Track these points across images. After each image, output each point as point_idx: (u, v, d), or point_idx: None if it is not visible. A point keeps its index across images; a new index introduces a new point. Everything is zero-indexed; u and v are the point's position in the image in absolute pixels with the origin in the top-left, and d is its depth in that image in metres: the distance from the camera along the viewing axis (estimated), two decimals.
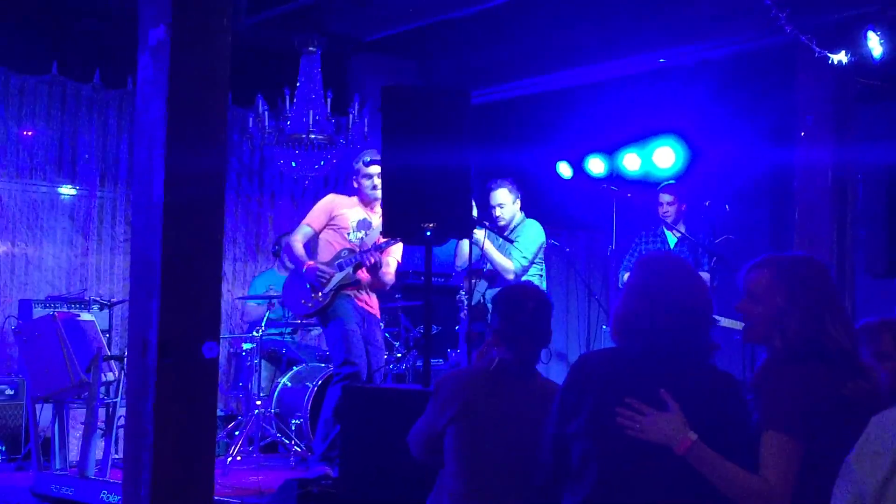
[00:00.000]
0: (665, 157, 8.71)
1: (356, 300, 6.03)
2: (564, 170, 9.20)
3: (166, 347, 4.22)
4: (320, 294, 5.87)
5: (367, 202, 6.12)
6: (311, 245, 6.23)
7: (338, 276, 5.90)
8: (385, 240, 5.68)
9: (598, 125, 8.96)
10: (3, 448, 6.48)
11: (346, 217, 6.10)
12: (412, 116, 4.40)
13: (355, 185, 6.14)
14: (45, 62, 7.53)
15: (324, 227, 6.07)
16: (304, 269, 5.93)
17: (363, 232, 6.07)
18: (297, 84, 7.36)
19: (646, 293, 2.78)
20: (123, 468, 4.31)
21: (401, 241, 4.63)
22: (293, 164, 7.33)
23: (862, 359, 2.86)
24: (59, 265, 7.70)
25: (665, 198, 7.38)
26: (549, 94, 8.76)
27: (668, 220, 7.29)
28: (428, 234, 4.32)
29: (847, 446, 2.62)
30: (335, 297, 5.92)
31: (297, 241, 6.04)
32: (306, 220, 6.14)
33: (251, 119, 7.24)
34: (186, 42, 4.34)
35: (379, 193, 5.54)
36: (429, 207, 4.35)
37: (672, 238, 7.30)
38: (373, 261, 5.78)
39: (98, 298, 6.76)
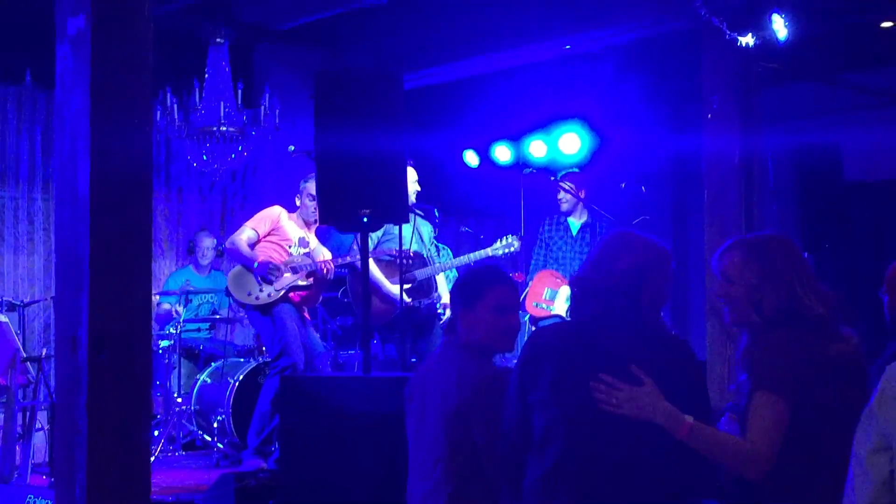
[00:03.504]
0: (570, 143, 8.82)
1: (298, 308, 6.16)
2: (471, 158, 9.24)
3: (98, 343, 4.10)
4: (271, 291, 5.94)
5: (307, 222, 6.28)
6: None
7: (290, 278, 5.97)
8: (343, 260, 6.00)
9: (504, 113, 9.04)
10: None
11: (288, 231, 6.24)
12: (345, 101, 4.36)
13: (298, 202, 6.28)
14: None
15: (266, 235, 6.12)
16: (255, 264, 5.99)
17: (304, 248, 6.22)
18: (206, 76, 7.25)
19: (601, 261, 2.85)
20: (56, 469, 4.18)
21: (335, 227, 4.64)
22: (204, 157, 7.22)
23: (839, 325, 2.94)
24: None
25: (562, 187, 7.41)
26: (456, 83, 8.81)
27: (564, 209, 7.35)
28: (364, 220, 4.30)
29: (829, 408, 2.73)
30: (281, 299, 6.02)
31: (243, 240, 6.16)
32: (251, 224, 6.24)
33: (158, 112, 7.10)
34: (107, 30, 4.23)
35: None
36: (364, 193, 4.33)
37: (575, 225, 7.36)
38: (326, 270, 6.03)
39: (10, 299, 6.55)
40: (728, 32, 5.81)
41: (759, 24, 5.98)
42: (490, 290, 3.23)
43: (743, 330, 2.94)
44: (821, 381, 2.73)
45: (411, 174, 6.11)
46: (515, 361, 2.93)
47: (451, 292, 3.30)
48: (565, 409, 2.73)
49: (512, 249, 6.39)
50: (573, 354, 2.79)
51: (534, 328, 6.86)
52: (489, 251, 6.36)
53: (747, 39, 5.97)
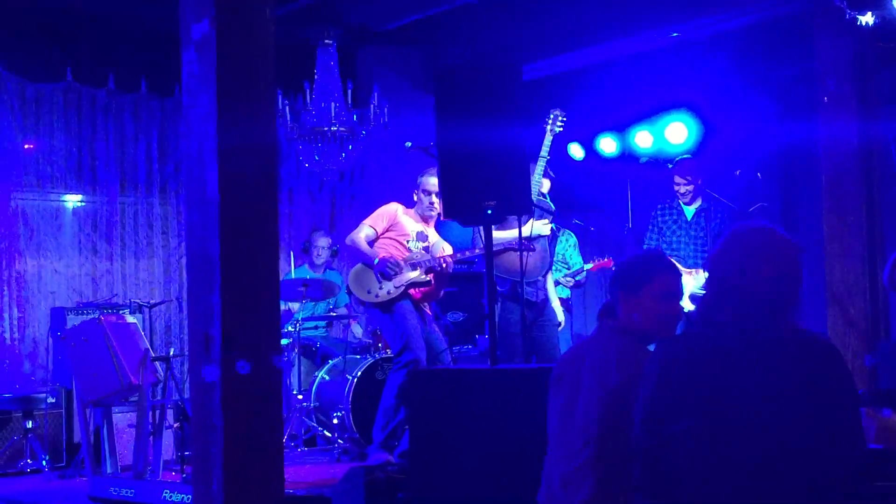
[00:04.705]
0: (677, 132, 8.72)
1: (418, 304, 6.21)
2: (576, 151, 9.19)
3: (230, 342, 4.19)
4: (391, 287, 6.01)
5: (424, 217, 6.30)
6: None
7: (409, 274, 6.01)
8: (463, 255, 6.09)
9: (609, 104, 8.96)
10: (47, 457, 6.44)
11: (406, 226, 6.29)
12: (464, 95, 4.40)
13: (415, 198, 6.33)
14: (60, 69, 7.50)
15: (384, 232, 6.18)
16: (375, 261, 6.05)
17: (423, 243, 6.26)
18: (315, 77, 7.35)
19: (746, 264, 2.70)
20: (193, 465, 4.28)
21: (459, 221, 4.66)
22: (316, 157, 7.32)
23: None
24: (85, 273, 7.69)
25: (680, 178, 7.32)
26: (559, 76, 8.77)
27: (686, 200, 7.28)
28: (489, 212, 4.32)
29: None
30: (401, 296, 6.08)
31: (362, 238, 6.21)
32: (369, 222, 6.30)
33: None
34: (232, 34, 4.31)
35: (436, 213, 6.05)
36: (487, 186, 4.35)
37: (689, 210, 7.29)
38: (444, 265, 6.10)
39: (138, 301, 6.75)
40: (848, 11, 5.67)
41: (878, 3, 5.83)
42: (657, 276, 3.20)
43: None
44: None
45: (545, 184, 6.21)
46: (645, 380, 2.76)
47: (616, 276, 3.27)
48: (719, 442, 2.58)
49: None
50: (720, 384, 2.60)
51: None
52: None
53: (866, 18, 5.83)
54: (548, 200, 6.47)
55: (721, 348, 2.65)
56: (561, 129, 6.43)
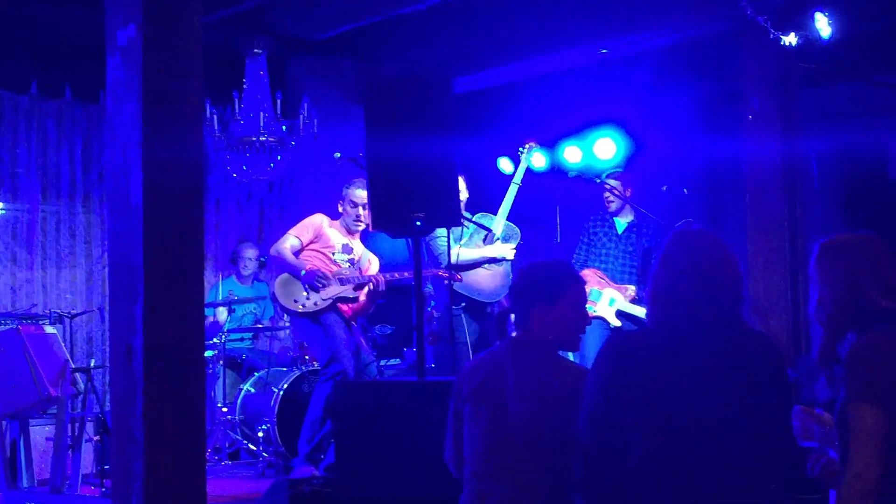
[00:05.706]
0: (606, 148, 8.78)
1: (346, 316, 6.16)
2: (505, 165, 9.20)
3: (153, 352, 4.11)
4: (318, 299, 5.94)
5: (349, 229, 6.25)
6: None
7: (337, 288, 5.98)
8: (401, 275, 6.07)
9: (539, 119, 9.00)
10: None
11: (331, 238, 6.24)
12: (394, 107, 4.38)
13: (340, 209, 6.25)
14: None
15: (309, 243, 6.15)
16: (302, 272, 5.98)
17: (348, 255, 6.22)
18: (244, 87, 7.28)
19: (679, 266, 2.76)
20: (112, 479, 4.20)
21: (388, 233, 4.63)
22: (244, 167, 7.24)
23: None
24: (3, 282, 7.50)
25: (610, 187, 7.37)
26: (490, 90, 8.81)
27: (612, 209, 7.32)
28: (418, 223, 4.31)
29: None
30: (329, 307, 6.03)
31: (287, 249, 6.14)
32: (294, 233, 6.23)
33: None
34: (159, 40, 4.25)
35: (362, 226, 6.04)
36: (416, 197, 4.33)
37: (621, 224, 7.34)
38: (375, 284, 6.05)
39: (59, 311, 6.59)
40: (772, 32, 5.78)
41: (801, 24, 5.96)
42: (571, 287, 3.22)
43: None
44: None
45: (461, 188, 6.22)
46: (595, 375, 2.80)
47: (526, 289, 3.23)
48: (666, 431, 2.63)
49: None
50: (668, 372, 2.67)
51: None
52: None
53: (790, 39, 5.95)
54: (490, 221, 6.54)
55: (674, 345, 2.71)
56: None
